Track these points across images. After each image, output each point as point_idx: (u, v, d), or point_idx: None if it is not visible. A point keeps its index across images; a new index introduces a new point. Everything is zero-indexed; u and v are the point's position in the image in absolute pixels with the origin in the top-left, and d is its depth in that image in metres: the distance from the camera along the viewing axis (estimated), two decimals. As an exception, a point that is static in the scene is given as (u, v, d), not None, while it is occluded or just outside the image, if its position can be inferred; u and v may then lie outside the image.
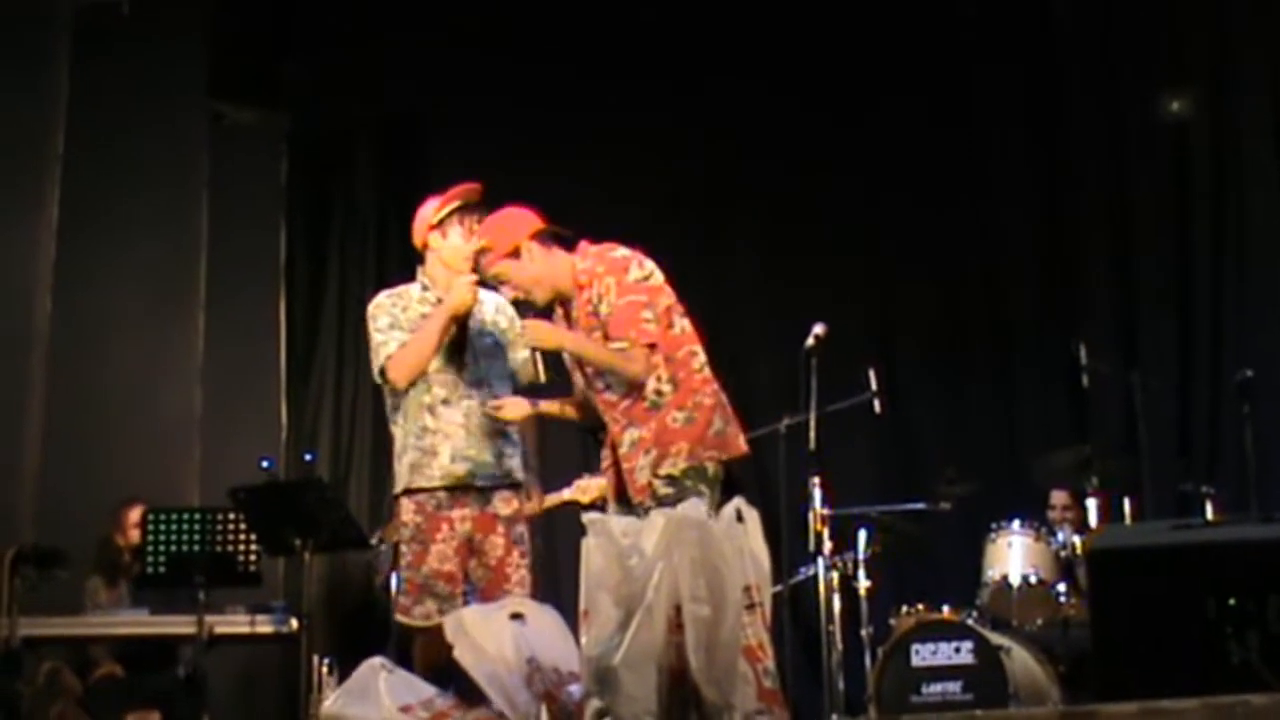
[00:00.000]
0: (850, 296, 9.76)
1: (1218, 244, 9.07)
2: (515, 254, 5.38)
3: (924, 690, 7.03)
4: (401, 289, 5.94)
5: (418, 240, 5.95)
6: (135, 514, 7.62)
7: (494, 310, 5.95)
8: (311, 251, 10.31)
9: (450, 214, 5.86)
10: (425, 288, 5.91)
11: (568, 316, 5.40)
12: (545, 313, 5.50)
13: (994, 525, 7.73)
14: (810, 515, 6.64)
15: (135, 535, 7.56)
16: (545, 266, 5.38)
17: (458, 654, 5.24)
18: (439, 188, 9.44)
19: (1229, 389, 8.14)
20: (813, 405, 6.55)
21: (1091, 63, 9.66)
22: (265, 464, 7.10)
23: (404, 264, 9.69)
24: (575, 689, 5.06)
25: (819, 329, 6.51)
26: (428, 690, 5.27)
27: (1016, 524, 7.67)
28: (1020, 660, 7.08)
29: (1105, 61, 9.61)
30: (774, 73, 9.88)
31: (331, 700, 5.39)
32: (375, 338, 5.80)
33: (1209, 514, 7.20)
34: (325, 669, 6.69)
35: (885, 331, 9.84)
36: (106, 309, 8.85)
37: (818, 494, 6.60)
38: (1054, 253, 9.66)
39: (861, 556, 7.47)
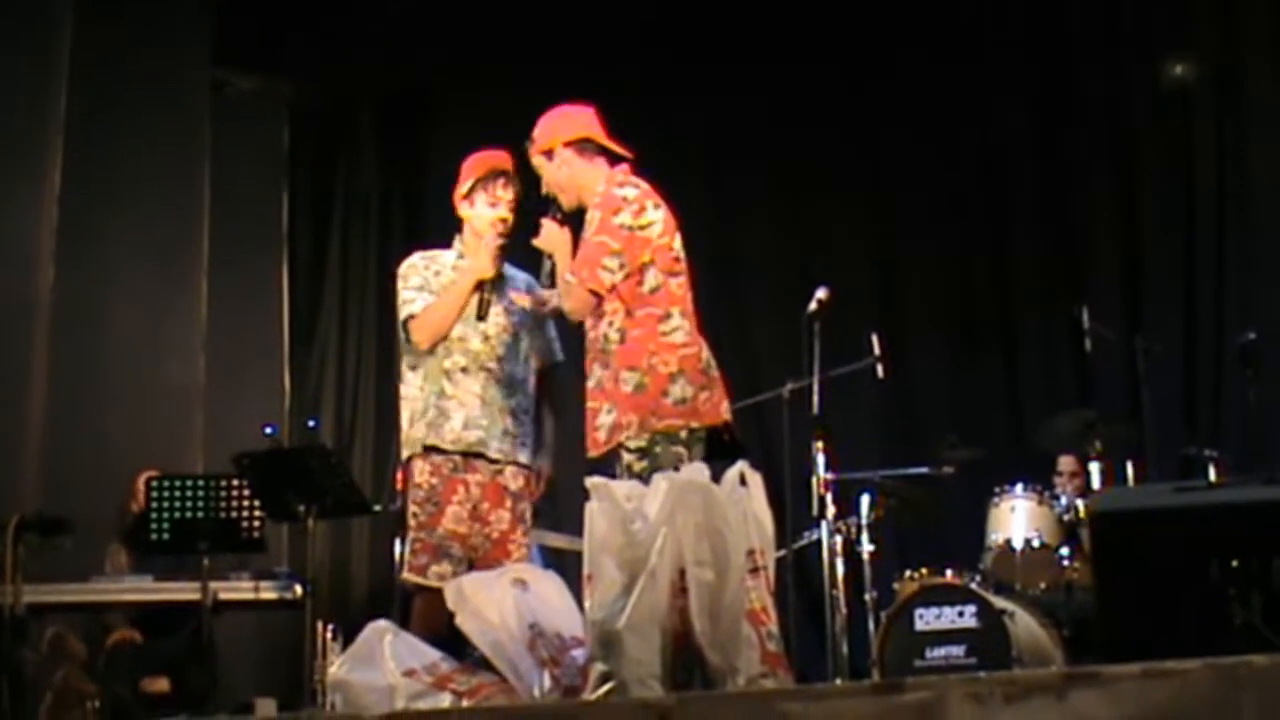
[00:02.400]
0: (853, 261, 9.78)
1: (1221, 208, 9.09)
2: (549, 154, 5.39)
3: (928, 654, 7.03)
4: (436, 253, 5.93)
5: (457, 210, 5.94)
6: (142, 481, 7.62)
7: (524, 288, 5.94)
8: (314, 219, 10.31)
9: (476, 183, 5.85)
10: (461, 255, 5.89)
11: None
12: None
13: (997, 489, 7.74)
14: (813, 480, 6.64)
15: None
16: (574, 176, 5.37)
17: (460, 621, 5.24)
18: (440, 156, 9.40)
19: (1232, 353, 8.14)
20: (816, 370, 6.55)
21: (1095, 27, 9.64)
22: (269, 430, 7.09)
23: (406, 231, 9.77)
24: (578, 654, 5.05)
25: (822, 293, 6.51)
26: (432, 654, 5.26)
27: (1020, 488, 7.68)
28: (1024, 624, 7.08)
29: (1110, 24, 9.60)
30: (779, 40, 9.86)
31: (337, 665, 5.39)
32: (403, 295, 5.81)
33: (1212, 477, 7.19)
34: (330, 634, 6.68)
35: (888, 295, 9.86)
36: (109, 276, 8.84)
37: (821, 459, 6.60)
38: (1058, 218, 9.67)
39: (865, 521, 7.48)
